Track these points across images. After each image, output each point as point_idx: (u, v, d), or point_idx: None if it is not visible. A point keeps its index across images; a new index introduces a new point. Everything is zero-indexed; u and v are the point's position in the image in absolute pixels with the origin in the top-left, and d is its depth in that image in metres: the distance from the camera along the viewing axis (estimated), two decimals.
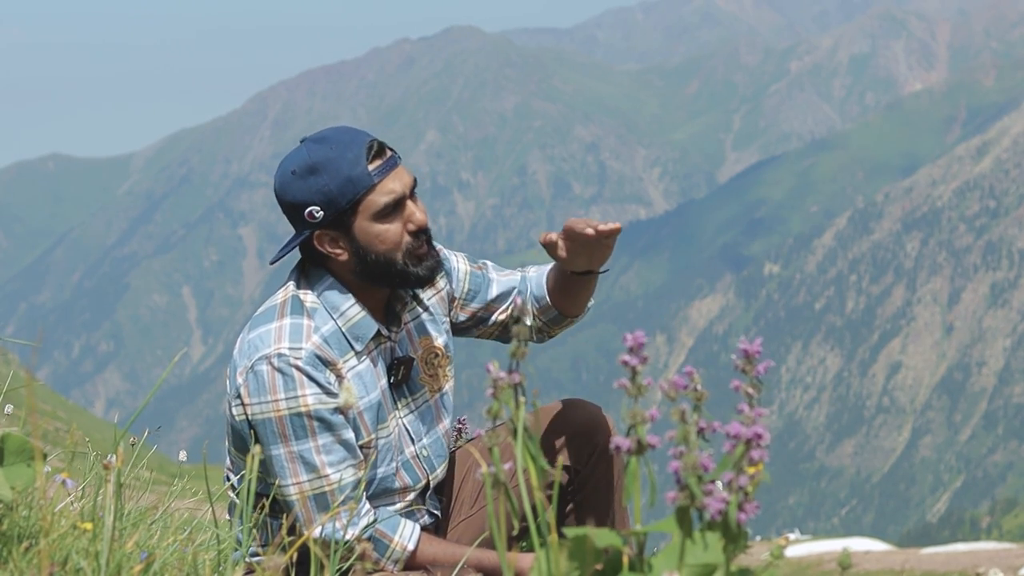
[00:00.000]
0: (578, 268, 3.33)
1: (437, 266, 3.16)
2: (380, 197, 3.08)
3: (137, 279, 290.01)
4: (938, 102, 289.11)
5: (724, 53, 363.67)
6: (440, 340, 3.32)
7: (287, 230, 3.12)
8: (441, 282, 3.36)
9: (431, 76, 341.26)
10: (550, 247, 3.32)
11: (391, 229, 3.10)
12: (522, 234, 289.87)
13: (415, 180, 3.16)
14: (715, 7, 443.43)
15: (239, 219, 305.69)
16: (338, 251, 3.11)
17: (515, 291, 3.47)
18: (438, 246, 3.32)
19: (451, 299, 3.39)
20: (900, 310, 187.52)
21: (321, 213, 3.06)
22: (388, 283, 3.14)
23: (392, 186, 3.09)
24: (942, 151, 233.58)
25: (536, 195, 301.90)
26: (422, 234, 3.14)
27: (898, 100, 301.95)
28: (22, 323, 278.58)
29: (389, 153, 3.12)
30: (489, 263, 3.49)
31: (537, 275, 3.48)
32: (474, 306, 3.41)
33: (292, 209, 3.09)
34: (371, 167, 3.07)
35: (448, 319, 3.39)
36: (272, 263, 3.24)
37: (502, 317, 3.45)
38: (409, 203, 3.13)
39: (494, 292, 3.44)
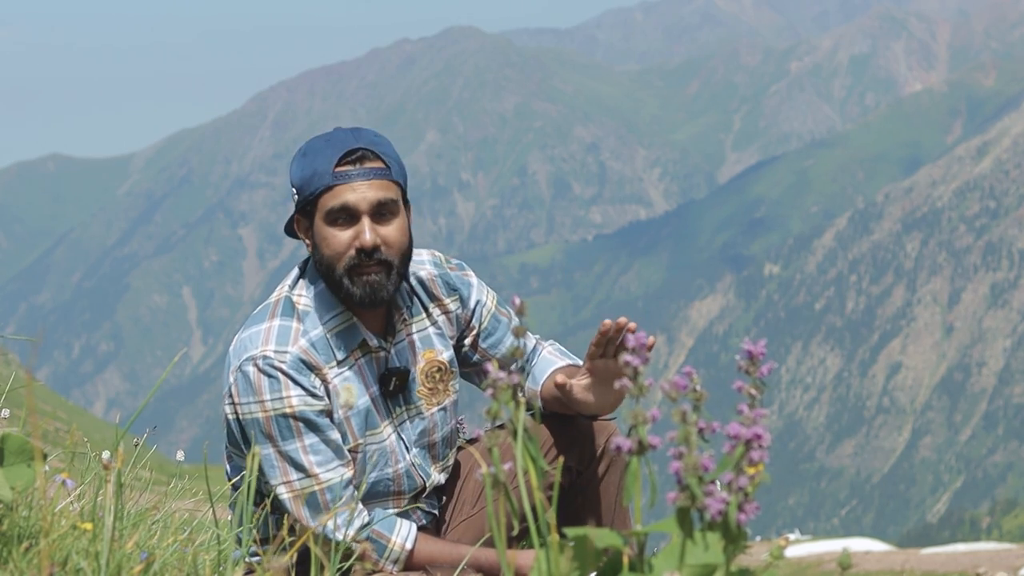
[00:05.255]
0: (585, 411, 3.28)
1: (377, 292, 3.11)
2: (331, 200, 3.08)
3: (137, 279, 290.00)
4: (938, 102, 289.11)
5: (724, 53, 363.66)
6: (445, 355, 3.31)
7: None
8: (452, 305, 3.34)
9: (431, 76, 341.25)
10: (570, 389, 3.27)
11: (339, 237, 3.09)
12: (522, 234, 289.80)
13: (384, 201, 3.11)
14: (715, 7, 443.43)
15: (239, 219, 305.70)
16: (306, 240, 3.17)
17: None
18: (468, 271, 3.37)
19: (465, 324, 3.37)
20: (900, 310, 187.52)
21: (296, 196, 3.15)
22: (333, 288, 3.13)
23: (347, 196, 3.08)
24: (942, 151, 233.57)
25: (536, 195, 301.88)
26: (365, 255, 3.09)
27: (898, 100, 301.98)
28: (22, 323, 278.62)
29: (367, 165, 3.11)
30: (515, 316, 3.56)
31: (544, 363, 3.43)
32: (484, 346, 3.39)
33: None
34: (337, 170, 3.08)
35: (453, 339, 3.37)
36: (286, 231, 3.30)
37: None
38: (364, 220, 3.09)
39: (506, 346, 3.41)
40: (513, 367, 1.66)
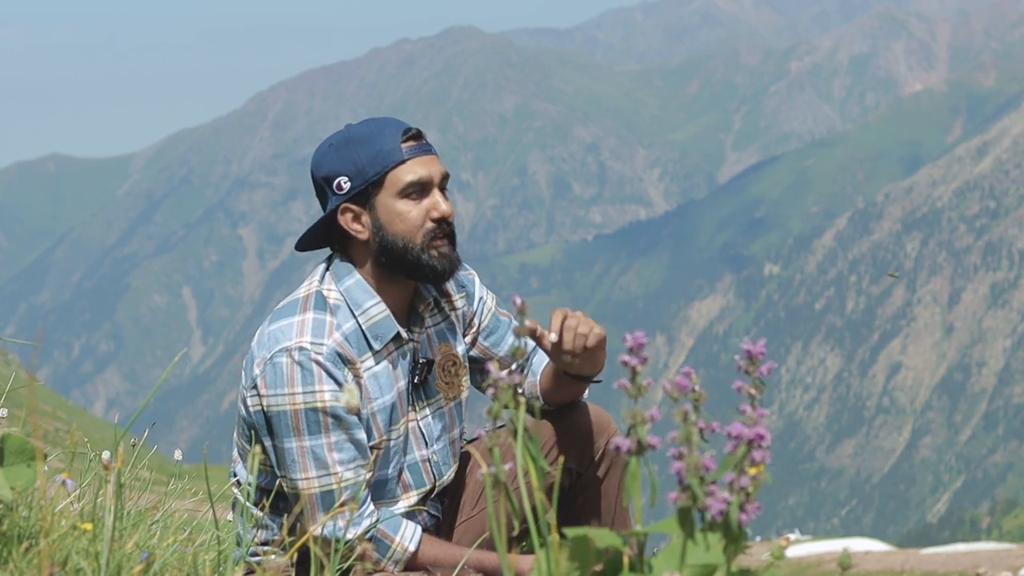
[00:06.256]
0: (570, 369, 3.28)
1: (454, 262, 3.18)
2: (406, 174, 3.12)
3: (137, 279, 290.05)
4: (938, 102, 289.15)
5: (724, 54, 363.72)
6: (459, 348, 3.33)
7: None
8: (460, 302, 3.36)
9: (431, 76, 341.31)
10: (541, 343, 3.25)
11: (413, 211, 3.13)
12: (522, 235, 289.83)
13: (447, 175, 3.20)
14: (715, 8, 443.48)
15: (239, 219, 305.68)
16: (359, 228, 3.14)
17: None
18: (471, 271, 3.39)
19: (468, 322, 3.39)
20: (900, 310, 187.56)
21: (349, 183, 3.12)
22: (403, 270, 3.15)
23: (420, 168, 3.14)
24: (942, 151, 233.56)
25: (536, 195, 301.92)
26: (444, 224, 3.16)
27: (898, 100, 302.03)
28: (22, 323, 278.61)
29: (425, 141, 3.19)
30: (514, 318, 3.62)
31: (541, 356, 3.45)
32: (485, 344, 3.41)
33: (323, 183, 3.16)
34: (404, 146, 3.14)
35: (462, 334, 3.40)
36: (298, 248, 3.27)
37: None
38: (436, 191, 3.16)
39: (508, 345, 3.45)
40: (514, 367, 1.68)
